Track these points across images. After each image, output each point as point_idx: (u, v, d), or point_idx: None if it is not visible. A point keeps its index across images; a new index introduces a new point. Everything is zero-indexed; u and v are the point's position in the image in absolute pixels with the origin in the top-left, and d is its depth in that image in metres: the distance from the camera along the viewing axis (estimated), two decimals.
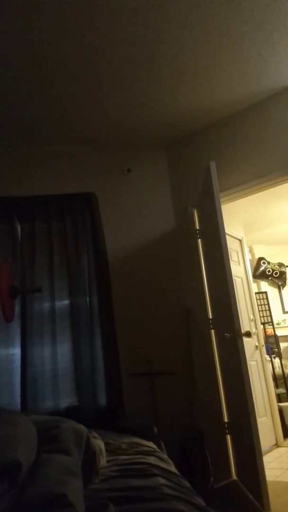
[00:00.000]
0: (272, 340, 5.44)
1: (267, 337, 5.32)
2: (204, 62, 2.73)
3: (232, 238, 4.11)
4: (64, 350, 3.08)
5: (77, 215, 3.33)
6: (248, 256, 4.51)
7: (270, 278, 6.22)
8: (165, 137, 3.64)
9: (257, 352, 4.08)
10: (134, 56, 2.61)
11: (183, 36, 2.48)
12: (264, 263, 6.16)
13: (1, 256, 3.15)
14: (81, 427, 1.55)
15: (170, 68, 2.76)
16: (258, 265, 6.15)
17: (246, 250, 4.46)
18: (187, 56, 2.66)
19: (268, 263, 6.18)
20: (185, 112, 3.28)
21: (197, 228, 3.46)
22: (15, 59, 2.51)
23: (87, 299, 3.18)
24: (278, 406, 4.17)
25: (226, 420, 3.08)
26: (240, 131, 3.34)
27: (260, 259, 6.19)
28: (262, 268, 6.12)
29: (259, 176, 3.18)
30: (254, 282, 5.37)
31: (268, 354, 4.66)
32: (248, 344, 3.81)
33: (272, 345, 5.37)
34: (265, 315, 5.36)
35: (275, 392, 4.32)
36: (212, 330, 3.25)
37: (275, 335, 5.47)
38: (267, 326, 5.40)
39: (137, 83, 2.87)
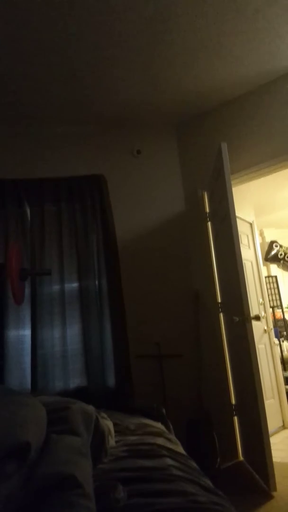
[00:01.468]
0: (281, 323, 5.45)
1: (276, 320, 5.32)
2: (216, 40, 2.65)
3: (242, 221, 4.06)
4: (74, 331, 3.11)
5: (86, 198, 3.31)
6: (258, 240, 4.47)
7: (281, 261, 6.17)
8: (176, 117, 3.57)
9: (266, 335, 4.08)
10: (146, 34, 2.54)
11: (195, 13, 2.41)
12: (276, 246, 6.11)
13: (11, 239, 3.16)
14: (90, 408, 1.57)
15: (182, 46, 2.69)
16: (270, 248, 6.10)
17: (257, 233, 4.42)
18: (199, 34, 2.58)
19: (281, 246, 6.13)
20: (196, 91, 3.21)
21: (207, 211, 3.43)
22: (26, 36, 2.46)
23: (96, 281, 3.19)
24: (286, 388, 4.19)
25: (233, 402, 3.10)
26: (252, 111, 3.26)
27: (272, 242, 6.13)
28: (274, 251, 6.08)
29: (272, 157, 3.11)
30: (264, 265, 5.34)
31: (276, 337, 4.66)
32: (257, 327, 3.81)
33: (280, 328, 5.38)
34: (274, 298, 5.34)
35: (283, 375, 4.33)
36: (221, 313, 3.25)
37: (284, 319, 5.47)
38: (276, 309, 5.39)
39: (148, 62, 2.81)
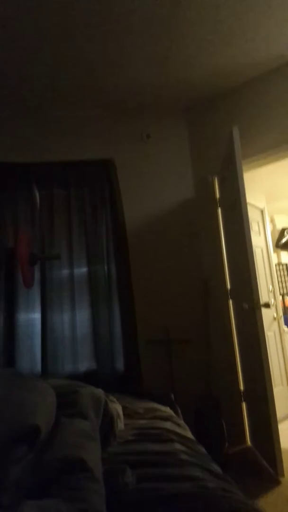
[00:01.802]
0: None
1: (285, 308, 5.29)
2: (228, 21, 2.57)
3: (253, 207, 4.01)
4: (83, 316, 3.12)
5: (95, 182, 3.28)
6: (269, 227, 4.41)
7: None
8: (186, 102, 3.50)
9: (275, 323, 4.06)
10: (157, 15, 2.47)
11: None
12: (287, 233, 6.04)
13: (20, 223, 3.16)
14: (99, 391, 1.58)
15: (193, 28, 2.61)
16: (281, 235, 6.03)
17: (268, 220, 4.36)
18: (211, 15, 2.51)
19: None
20: (207, 74, 3.13)
21: (217, 197, 3.38)
22: (36, 23, 2.41)
23: (105, 267, 3.19)
24: None
25: (242, 388, 3.11)
26: (264, 94, 3.18)
27: (284, 229, 6.06)
28: (285, 239, 6.01)
29: (284, 142, 3.04)
30: (274, 252, 5.29)
31: (286, 325, 4.63)
32: (266, 314, 3.79)
33: None
34: (284, 286, 5.30)
35: None
36: (230, 300, 3.23)
37: None
38: (286, 297, 5.35)
39: (159, 44, 2.73)
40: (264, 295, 3.85)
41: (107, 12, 2.42)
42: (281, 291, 5.12)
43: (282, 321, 4.19)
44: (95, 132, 3.48)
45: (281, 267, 5.42)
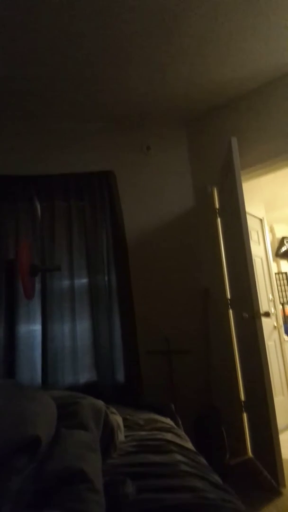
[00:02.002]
0: None
1: (286, 317, 5.28)
2: (226, 32, 2.62)
3: (252, 217, 4.04)
4: (83, 327, 3.13)
5: (95, 194, 3.31)
6: (268, 236, 4.43)
7: None
8: (186, 113, 3.55)
9: (275, 332, 4.05)
10: (155, 28, 2.52)
11: (205, 5, 2.38)
12: (287, 242, 6.06)
13: (21, 235, 3.18)
14: (100, 403, 1.58)
15: (191, 40, 2.66)
16: (281, 244, 6.05)
17: (267, 229, 4.38)
18: (209, 27, 2.56)
19: None
20: (206, 86, 3.18)
21: (217, 207, 3.41)
22: (36, 35, 2.46)
23: (106, 277, 3.20)
24: None
25: (243, 398, 3.10)
26: (262, 106, 3.22)
27: (283, 238, 6.08)
28: (285, 248, 6.03)
29: (282, 152, 3.08)
30: (274, 262, 5.30)
31: (286, 334, 4.63)
32: (267, 324, 3.79)
33: None
34: (284, 295, 5.30)
35: None
36: (230, 310, 3.24)
37: None
38: (286, 306, 5.35)
39: (157, 56, 2.78)
40: (264, 304, 3.85)
41: (106, 26, 2.47)
42: (281, 300, 5.13)
43: (282, 330, 4.18)
44: (95, 144, 3.52)
45: (281, 276, 5.43)
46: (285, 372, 4.03)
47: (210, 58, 2.85)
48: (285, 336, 4.27)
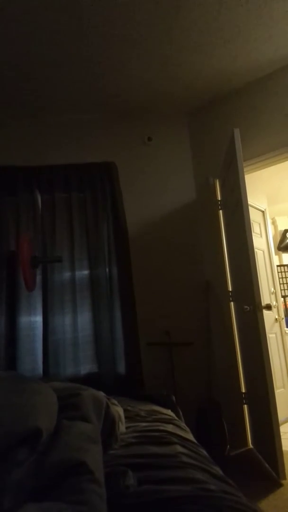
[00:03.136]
0: None
1: (287, 310, 5.28)
2: (229, 24, 2.58)
3: (254, 209, 4.01)
4: (84, 319, 3.13)
5: (97, 185, 3.29)
6: (270, 228, 4.41)
7: None
8: (188, 104, 3.51)
9: (277, 324, 4.05)
10: (157, 18, 2.48)
11: None
12: None
13: (22, 226, 3.17)
14: (101, 394, 1.58)
15: (193, 31, 2.62)
16: (283, 237, 6.02)
17: (269, 222, 4.36)
18: (211, 18, 2.52)
19: None
20: (208, 77, 3.14)
21: (219, 199, 3.39)
22: (40, 25, 2.42)
23: (107, 269, 3.20)
24: None
25: (243, 390, 3.10)
26: (265, 97, 3.19)
27: (286, 231, 6.05)
28: (287, 241, 6.00)
29: (285, 144, 3.05)
30: (276, 254, 5.28)
31: None
32: (268, 316, 3.79)
33: None
34: (286, 288, 5.30)
35: None
36: (232, 302, 3.23)
37: None
38: (287, 299, 5.35)
39: (159, 47, 2.75)
40: (265, 297, 3.85)
41: (108, 17, 2.43)
42: (283, 293, 5.12)
43: (283, 323, 4.18)
44: (97, 135, 3.50)
45: (283, 268, 5.42)
46: (286, 364, 4.03)
47: (211, 49, 2.81)
48: (286, 329, 4.27)
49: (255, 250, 2.91)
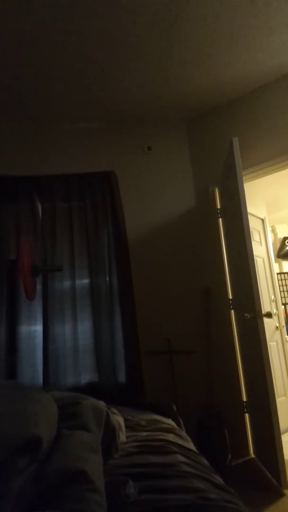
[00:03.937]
0: None
1: None
2: (227, 33, 2.62)
3: (254, 217, 4.03)
4: (85, 327, 3.13)
5: (97, 194, 3.31)
6: (270, 236, 4.43)
7: None
8: (187, 113, 3.55)
9: (277, 332, 4.04)
10: (155, 28, 2.52)
11: (205, 5, 2.38)
12: None
13: (22, 235, 3.18)
14: (101, 403, 1.58)
15: (192, 41, 2.66)
16: (282, 245, 6.03)
17: (269, 229, 4.38)
18: (210, 28, 2.56)
19: None
20: (207, 86, 3.18)
21: (218, 207, 3.40)
22: (35, 35, 2.46)
23: (107, 278, 3.20)
24: None
25: (244, 399, 3.09)
26: (264, 106, 3.22)
27: (285, 238, 6.07)
28: (286, 248, 6.01)
29: (284, 152, 3.07)
30: (276, 262, 5.29)
31: None
32: (269, 324, 3.79)
33: None
34: (286, 295, 5.29)
35: None
36: (232, 310, 3.23)
37: None
38: None
39: (158, 57, 2.78)
40: (266, 305, 3.84)
41: (107, 25, 2.47)
42: (283, 301, 5.11)
43: (284, 330, 4.17)
44: (96, 144, 3.52)
45: (283, 276, 5.42)
46: (287, 372, 4.01)
47: (211, 59, 2.85)
48: (287, 337, 4.25)
49: (255, 258, 2.92)
